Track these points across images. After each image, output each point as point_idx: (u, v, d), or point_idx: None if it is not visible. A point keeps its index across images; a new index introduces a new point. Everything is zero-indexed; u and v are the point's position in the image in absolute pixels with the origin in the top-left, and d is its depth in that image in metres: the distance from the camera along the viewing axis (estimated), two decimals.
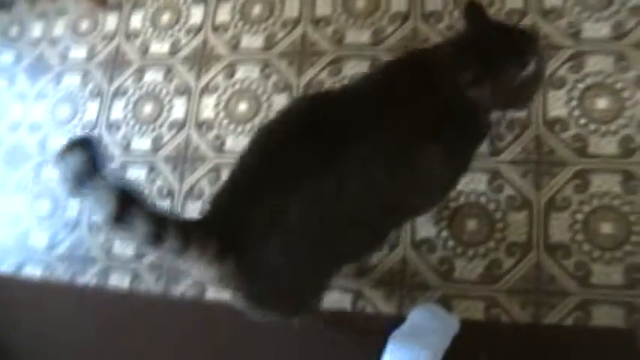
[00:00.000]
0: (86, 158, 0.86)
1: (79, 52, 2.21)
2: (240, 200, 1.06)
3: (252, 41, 2.00)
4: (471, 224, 1.61)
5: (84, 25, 2.25)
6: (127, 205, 0.88)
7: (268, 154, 1.10)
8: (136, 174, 1.95)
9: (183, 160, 1.91)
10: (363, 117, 1.09)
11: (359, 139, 1.06)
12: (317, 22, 1.97)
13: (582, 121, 1.63)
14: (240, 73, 1.97)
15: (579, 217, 1.54)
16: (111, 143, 2.01)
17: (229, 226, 1.03)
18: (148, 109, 2.02)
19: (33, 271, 1.96)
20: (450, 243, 1.61)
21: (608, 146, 1.59)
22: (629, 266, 1.47)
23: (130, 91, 2.07)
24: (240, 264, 1.02)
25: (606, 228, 1.53)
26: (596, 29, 1.71)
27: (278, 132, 1.13)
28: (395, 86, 1.16)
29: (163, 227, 0.92)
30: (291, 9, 2.01)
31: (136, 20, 2.19)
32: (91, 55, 2.18)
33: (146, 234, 0.90)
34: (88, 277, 1.90)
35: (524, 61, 1.13)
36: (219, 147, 1.89)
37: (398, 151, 1.09)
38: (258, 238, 1.02)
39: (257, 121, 1.88)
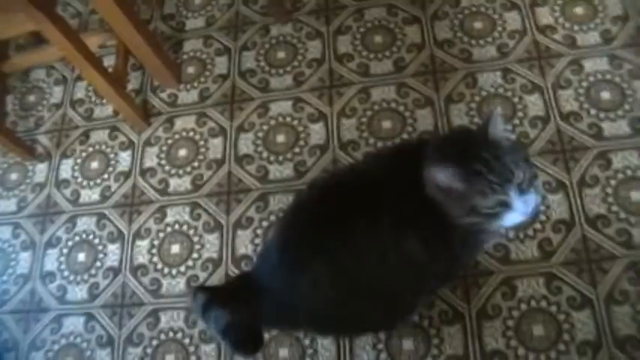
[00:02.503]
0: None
1: (8, 205, 2.23)
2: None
3: (180, 183, 2.08)
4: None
5: (12, 176, 2.28)
6: None
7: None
8: (74, 324, 1.95)
9: (121, 306, 1.94)
10: (361, 202, 1.21)
11: (357, 221, 1.19)
12: (240, 160, 2.07)
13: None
14: (170, 217, 2.03)
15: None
16: (45, 294, 2.02)
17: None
18: (81, 257, 2.05)
19: None
20: None
21: None
22: None
23: (63, 241, 2.09)
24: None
25: None
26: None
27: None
28: (382, 177, 1.25)
29: None
30: (215, 151, 2.10)
31: (66, 169, 2.24)
32: (21, 206, 2.21)
33: None
34: None
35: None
36: (155, 291, 1.93)
37: (384, 236, 1.20)
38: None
39: (190, 262, 1.94)
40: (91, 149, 2.25)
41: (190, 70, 2.31)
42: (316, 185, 1.48)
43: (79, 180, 2.20)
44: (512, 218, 1.10)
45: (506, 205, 1.08)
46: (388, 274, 1.26)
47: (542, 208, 1.79)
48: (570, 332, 1.63)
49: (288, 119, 2.11)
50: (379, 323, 1.59)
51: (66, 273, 2.04)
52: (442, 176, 1.08)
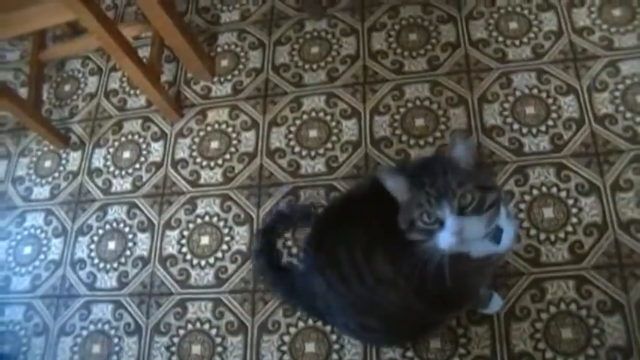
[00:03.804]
0: None
1: (41, 192, 2.25)
2: None
3: (211, 175, 2.10)
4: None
5: (47, 164, 2.32)
6: None
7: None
8: (102, 311, 1.97)
9: (149, 295, 1.96)
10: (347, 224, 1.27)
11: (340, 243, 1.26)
12: (272, 154, 2.07)
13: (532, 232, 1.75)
14: (200, 208, 2.05)
15: None
16: (75, 282, 2.05)
17: None
18: (111, 246, 2.08)
19: None
20: None
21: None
22: None
23: (94, 229, 2.12)
24: None
25: None
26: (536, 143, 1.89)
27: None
28: (364, 201, 1.29)
29: None
30: (247, 144, 2.11)
31: (98, 158, 2.26)
32: (54, 194, 2.24)
33: None
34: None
35: None
36: (183, 282, 1.94)
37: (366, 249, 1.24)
38: None
39: (219, 254, 1.95)
40: (123, 139, 2.28)
41: (224, 63, 2.32)
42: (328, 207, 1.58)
43: (111, 169, 2.22)
44: (445, 238, 1.06)
45: (440, 224, 1.06)
46: (372, 294, 1.29)
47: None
48: (600, 337, 1.62)
49: (321, 114, 2.12)
50: (391, 338, 1.62)
51: (96, 261, 2.07)
52: (390, 182, 1.10)
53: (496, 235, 1.16)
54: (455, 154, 1.08)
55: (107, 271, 2.03)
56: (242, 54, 2.33)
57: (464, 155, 1.08)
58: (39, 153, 2.35)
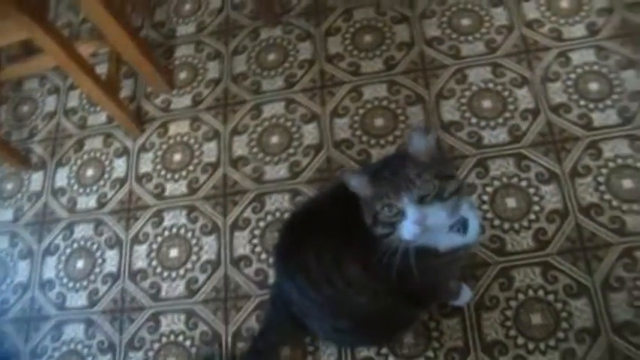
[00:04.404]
0: None
1: (5, 214, 2.23)
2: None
3: (176, 188, 2.10)
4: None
5: (8, 186, 2.29)
6: None
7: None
8: (75, 331, 1.96)
9: (121, 311, 1.95)
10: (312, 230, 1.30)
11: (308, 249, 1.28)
12: (235, 162, 2.08)
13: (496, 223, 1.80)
14: (167, 221, 2.05)
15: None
16: (45, 303, 2.03)
17: None
18: (80, 264, 2.06)
19: None
20: None
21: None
22: None
23: (61, 249, 2.10)
24: None
25: None
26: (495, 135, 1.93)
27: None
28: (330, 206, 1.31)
29: None
30: (210, 154, 2.12)
31: (62, 177, 2.25)
32: (18, 216, 2.21)
33: None
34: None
35: None
36: (155, 295, 1.94)
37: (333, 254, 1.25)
38: None
39: (189, 265, 1.95)
40: (86, 157, 2.27)
41: (183, 75, 2.33)
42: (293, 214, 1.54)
43: (75, 187, 2.21)
44: (408, 228, 1.08)
45: (403, 214, 1.07)
46: (344, 297, 1.30)
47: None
48: (568, 320, 1.65)
49: (282, 120, 2.13)
50: (365, 338, 1.63)
51: (65, 280, 2.05)
52: (353, 181, 1.12)
53: (463, 226, 1.18)
54: (413, 147, 1.10)
55: (77, 290, 2.02)
56: (200, 65, 2.33)
57: (422, 147, 1.10)
58: (0, 175, 2.32)
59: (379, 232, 1.12)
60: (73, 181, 2.22)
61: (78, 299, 2.01)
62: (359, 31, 2.25)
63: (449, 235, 1.17)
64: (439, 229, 1.11)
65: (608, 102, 1.91)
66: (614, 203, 1.76)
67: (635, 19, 2.04)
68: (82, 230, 2.12)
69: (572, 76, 1.97)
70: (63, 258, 2.09)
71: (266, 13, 2.29)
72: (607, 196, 1.77)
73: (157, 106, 2.28)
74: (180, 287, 1.93)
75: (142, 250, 2.02)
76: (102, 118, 2.32)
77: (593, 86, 1.94)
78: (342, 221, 1.21)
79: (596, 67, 1.97)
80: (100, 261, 2.04)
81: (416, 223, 1.05)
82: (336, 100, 2.12)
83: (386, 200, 1.07)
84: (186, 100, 2.26)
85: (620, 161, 1.81)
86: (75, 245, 2.10)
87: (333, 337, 1.63)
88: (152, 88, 2.29)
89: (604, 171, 1.81)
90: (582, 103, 1.92)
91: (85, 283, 2.03)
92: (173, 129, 2.21)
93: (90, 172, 2.22)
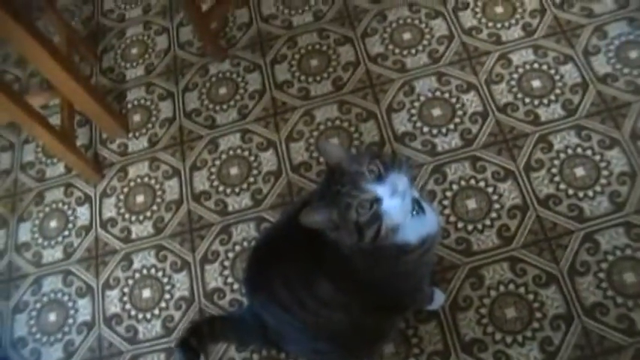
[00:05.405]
0: None
1: None
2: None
3: (142, 229, 2.10)
4: None
5: None
6: None
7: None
8: None
9: (100, 359, 1.93)
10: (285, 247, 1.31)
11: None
12: (198, 197, 2.10)
13: (460, 225, 1.82)
14: (137, 263, 2.04)
15: None
16: None
17: None
18: (52, 317, 2.04)
19: None
20: None
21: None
22: None
23: (31, 304, 2.08)
24: None
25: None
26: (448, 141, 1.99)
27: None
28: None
29: None
30: (172, 192, 2.14)
31: (25, 233, 2.23)
32: None
33: None
34: None
35: None
36: (132, 338, 1.93)
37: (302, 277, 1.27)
38: None
39: (163, 304, 1.95)
40: (47, 209, 2.25)
41: (136, 118, 2.34)
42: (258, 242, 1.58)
43: (40, 241, 2.19)
44: (390, 205, 1.10)
45: (376, 200, 1.09)
46: (318, 318, 1.32)
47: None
48: (541, 310, 1.70)
49: (239, 151, 2.16)
50: (345, 355, 1.61)
51: (38, 335, 2.02)
52: (314, 217, 1.11)
53: (419, 206, 1.21)
54: (329, 157, 1.15)
55: (51, 344, 1.99)
56: (152, 106, 2.35)
57: (335, 151, 1.15)
58: None
59: (369, 235, 1.12)
60: (36, 235, 2.20)
61: (53, 353, 1.98)
62: (304, 56, 2.29)
63: (414, 222, 1.19)
64: (407, 207, 1.13)
65: (552, 97, 1.98)
66: (570, 192, 1.81)
67: (566, 16, 2.12)
68: (51, 283, 2.10)
69: (515, 75, 2.05)
70: (34, 313, 2.06)
71: (212, 48, 2.32)
72: (562, 186, 1.83)
73: (114, 150, 2.28)
74: (156, 327, 1.93)
75: (114, 294, 2.02)
76: (60, 168, 2.31)
77: (536, 83, 2.02)
78: (306, 243, 1.22)
79: (536, 65, 2.05)
80: (72, 312, 2.03)
81: (394, 195, 1.08)
82: (290, 125, 2.16)
83: (354, 202, 1.08)
84: (142, 142, 2.27)
85: (570, 151, 1.88)
86: (45, 299, 2.07)
87: (312, 358, 1.64)
88: (107, 134, 2.30)
89: (556, 162, 1.87)
90: (527, 100, 1.99)
91: (59, 335, 2.00)
92: (133, 172, 2.22)
93: (53, 223, 2.21)
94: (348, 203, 1.09)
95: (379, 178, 1.09)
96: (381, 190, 1.08)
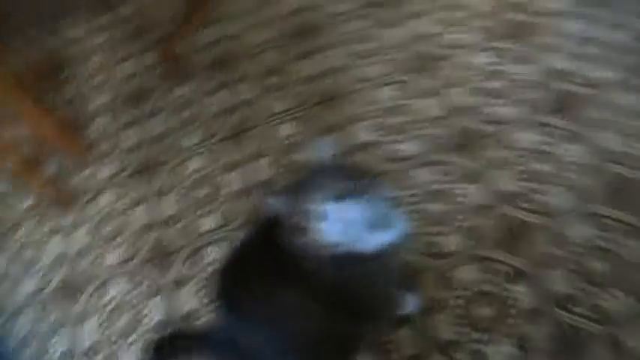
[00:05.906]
0: None
1: None
2: None
3: (115, 256, 2.09)
4: None
5: None
6: None
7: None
8: None
9: None
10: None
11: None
12: (167, 221, 2.12)
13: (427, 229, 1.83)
14: (112, 290, 2.03)
15: None
16: None
17: None
18: (27, 352, 2.01)
19: None
20: None
21: None
22: None
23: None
24: None
25: None
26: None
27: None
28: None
29: None
30: (141, 218, 2.16)
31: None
32: None
33: None
34: None
35: None
36: None
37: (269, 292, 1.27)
38: None
39: (139, 332, 1.93)
40: (18, 244, 2.23)
41: (104, 146, 2.35)
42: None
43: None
44: (330, 227, 1.13)
45: (323, 215, 1.12)
46: (291, 330, 1.32)
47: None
48: (515, 305, 1.69)
49: (206, 172, 2.17)
50: None
51: None
52: (273, 203, 1.18)
53: (385, 222, 1.21)
54: (319, 152, 1.19)
55: None
56: (118, 133, 2.36)
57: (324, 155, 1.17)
58: None
59: (305, 241, 1.14)
60: (11, 268, 2.18)
61: None
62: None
63: (372, 234, 1.19)
64: (360, 226, 1.15)
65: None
66: (534, 187, 1.83)
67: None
68: (25, 316, 2.07)
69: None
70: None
71: (174, 71, 2.33)
72: (524, 184, 1.86)
73: (82, 179, 2.27)
74: (137, 353, 1.91)
75: (92, 322, 1.99)
76: (29, 201, 2.30)
77: None
78: (270, 256, 1.24)
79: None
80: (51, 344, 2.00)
81: (337, 220, 1.10)
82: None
83: (304, 206, 1.11)
84: (110, 170, 2.26)
85: (533, 147, 1.89)
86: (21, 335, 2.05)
87: None
88: (75, 164, 2.29)
89: (522, 160, 1.90)
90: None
91: None
92: (102, 200, 2.21)
93: (28, 254, 2.19)
94: (300, 203, 1.14)
95: (338, 197, 1.12)
96: (329, 208, 1.11)
